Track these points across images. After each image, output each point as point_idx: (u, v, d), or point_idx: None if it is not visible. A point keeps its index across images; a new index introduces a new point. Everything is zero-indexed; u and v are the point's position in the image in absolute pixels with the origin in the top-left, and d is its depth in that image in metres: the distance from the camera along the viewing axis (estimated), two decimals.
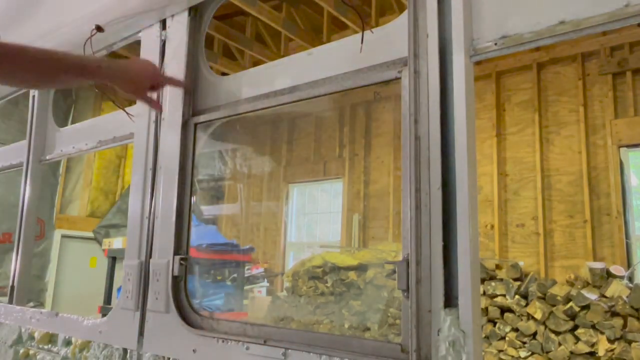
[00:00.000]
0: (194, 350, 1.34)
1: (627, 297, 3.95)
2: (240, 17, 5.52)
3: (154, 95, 1.40)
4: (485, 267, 4.78)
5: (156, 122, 1.60)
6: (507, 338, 4.38)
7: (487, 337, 4.48)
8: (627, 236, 4.72)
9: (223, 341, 1.28)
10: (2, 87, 2.37)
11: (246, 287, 5.85)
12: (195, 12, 1.60)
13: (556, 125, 5.30)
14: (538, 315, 4.21)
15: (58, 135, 2.15)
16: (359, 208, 6.54)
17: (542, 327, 4.22)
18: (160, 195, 1.56)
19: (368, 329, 4.80)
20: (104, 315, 2.12)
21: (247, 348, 1.22)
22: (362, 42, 1.18)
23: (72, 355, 1.72)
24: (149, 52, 1.69)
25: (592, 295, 4.08)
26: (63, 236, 6.29)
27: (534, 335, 4.26)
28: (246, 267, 5.76)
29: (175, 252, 1.47)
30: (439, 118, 1.01)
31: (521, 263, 4.93)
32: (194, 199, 1.55)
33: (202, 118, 1.51)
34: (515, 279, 4.62)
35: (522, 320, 4.36)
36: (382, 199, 6.41)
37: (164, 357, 1.43)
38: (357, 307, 5.02)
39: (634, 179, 4.97)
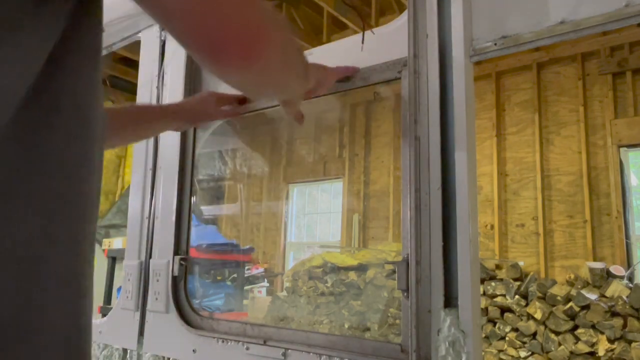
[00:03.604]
0: (193, 351, 1.34)
1: (627, 297, 3.95)
2: None
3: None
4: (485, 267, 4.78)
5: None
6: (507, 338, 4.39)
7: (487, 337, 4.48)
8: (627, 236, 4.72)
9: (223, 341, 1.28)
10: None
11: (246, 287, 5.85)
12: None
13: (556, 125, 5.30)
14: (538, 315, 4.21)
15: None
16: (359, 208, 6.54)
17: (542, 327, 4.22)
18: (160, 195, 1.56)
19: (368, 329, 4.80)
20: (104, 315, 2.12)
21: (247, 348, 1.22)
22: (362, 42, 1.18)
23: None
24: (148, 52, 1.69)
25: (592, 295, 4.08)
26: None
27: (534, 335, 4.26)
28: (246, 267, 5.76)
29: (175, 252, 1.47)
30: (438, 118, 1.01)
31: (521, 263, 4.93)
32: (194, 199, 1.55)
33: None
34: (515, 279, 4.62)
35: (522, 320, 4.36)
36: (382, 199, 6.41)
37: (163, 357, 1.43)
38: (357, 307, 5.02)
39: (634, 179, 4.97)
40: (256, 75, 0.58)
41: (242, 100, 1.23)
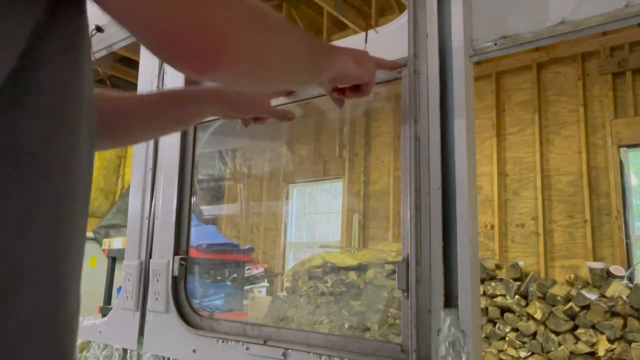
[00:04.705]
0: (193, 351, 1.34)
1: (627, 297, 3.95)
2: None
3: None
4: (485, 267, 4.78)
5: None
6: (507, 338, 4.39)
7: (487, 337, 4.48)
8: (627, 236, 4.72)
9: (223, 341, 1.28)
10: None
11: (246, 287, 5.85)
12: None
13: (556, 125, 5.31)
14: (538, 315, 4.22)
15: None
16: (359, 208, 6.55)
17: (542, 327, 4.22)
18: (160, 195, 1.56)
19: (368, 329, 4.80)
20: (104, 315, 2.12)
21: (247, 348, 1.22)
22: (365, 42, 1.18)
23: None
24: (148, 53, 1.69)
25: (592, 295, 4.08)
26: None
27: (534, 335, 4.26)
28: (246, 267, 5.76)
29: (175, 252, 1.47)
30: (438, 118, 1.01)
31: (521, 263, 4.93)
32: (194, 199, 1.55)
33: None
34: (515, 279, 4.62)
35: (522, 320, 4.36)
36: (382, 199, 6.41)
37: (163, 357, 1.43)
38: (357, 307, 5.02)
39: (634, 179, 4.97)
40: (224, 78, 0.54)
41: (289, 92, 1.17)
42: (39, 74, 0.42)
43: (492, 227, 5.45)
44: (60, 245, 0.44)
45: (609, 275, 4.25)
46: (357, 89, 0.92)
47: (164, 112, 0.95)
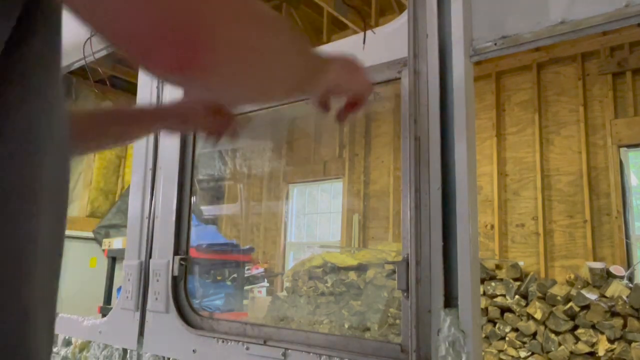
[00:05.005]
0: (193, 351, 1.34)
1: (627, 297, 3.95)
2: None
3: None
4: (485, 267, 4.78)
5: None
6: (507, 338, 4.39)
7: (487, 337, 4.48)
8: (627, 236, 4.72)
9: (223, 341, 1.28)
10: None
11: (246, 287, 5.85)
12: None
13: (556, 125, 5.31)
14: (538, 315, 4.21)
15: None
16: (359, 208, 6.54)
17: (542, 327, 4.22)
18: (160, 195, 1.56)
19: (368, 329, 4.80)
20: (104, 315, 2.12)
21: (247, 348, 1.22)
22: (364, 42, 1.18)
23: (72, 356, 1.72)
24: None
25: (592, 295, 4.08)
26: None
27: (534, 335, 4.26)
28: (246, 267, 5.76)
29: (175, 252, 1.47)
30: (438, 118, 1.01)
31: (521, 263, 4.93)
32: (194, 199, 1.55)
33: None
34: (515, 279, 4.62)
35: (522, 320, 4.36)
36: (382, 199, 6.41)
37: (163, 357, 1.43)
38: (357, 307, 5.02)
39: (634, 179, 4.97)
40: (202, 80, 0.44)
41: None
42: (11, 92, 0.40)
43: (492, 227, 5.45)
44: (24, 265, 0.41)
45: (609, 275, 4.25)
46: (354, 104, 0.87)
47: (105, 129, 0.95)
